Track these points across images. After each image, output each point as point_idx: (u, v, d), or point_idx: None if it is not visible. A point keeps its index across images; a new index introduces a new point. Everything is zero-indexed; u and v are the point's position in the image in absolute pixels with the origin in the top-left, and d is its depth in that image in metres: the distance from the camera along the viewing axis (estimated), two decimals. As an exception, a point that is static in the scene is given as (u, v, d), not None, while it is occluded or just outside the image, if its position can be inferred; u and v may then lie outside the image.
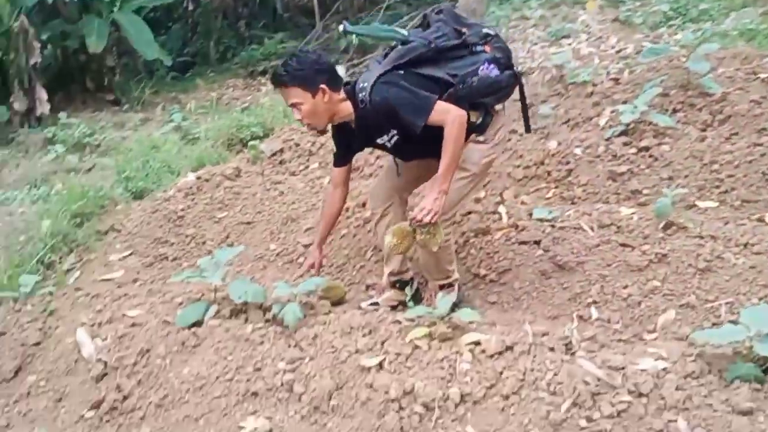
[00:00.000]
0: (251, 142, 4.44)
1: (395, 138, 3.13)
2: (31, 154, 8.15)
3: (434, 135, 2.93)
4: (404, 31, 3.23)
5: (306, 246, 3.99)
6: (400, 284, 3.55)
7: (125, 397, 2.76)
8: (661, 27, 8.42)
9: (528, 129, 3.65)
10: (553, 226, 3.79)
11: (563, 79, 6.13)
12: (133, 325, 3.05)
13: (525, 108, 3.54)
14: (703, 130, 5.09)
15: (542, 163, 4.76)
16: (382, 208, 3.46)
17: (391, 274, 3.54)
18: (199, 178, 4.82)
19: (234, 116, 6.55)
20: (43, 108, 9.52)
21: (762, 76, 5.70)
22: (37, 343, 3.16)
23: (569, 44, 8.03)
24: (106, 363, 2.90)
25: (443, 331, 2.60)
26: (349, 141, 3.33)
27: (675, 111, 5.32)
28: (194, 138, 7.35)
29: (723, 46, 7.05)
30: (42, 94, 9.54)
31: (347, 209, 4.19)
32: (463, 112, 2.94)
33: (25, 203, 6.18)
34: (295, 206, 4.36)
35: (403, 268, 3.57)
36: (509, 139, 5.03)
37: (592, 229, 3.72)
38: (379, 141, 3.18)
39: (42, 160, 7.58)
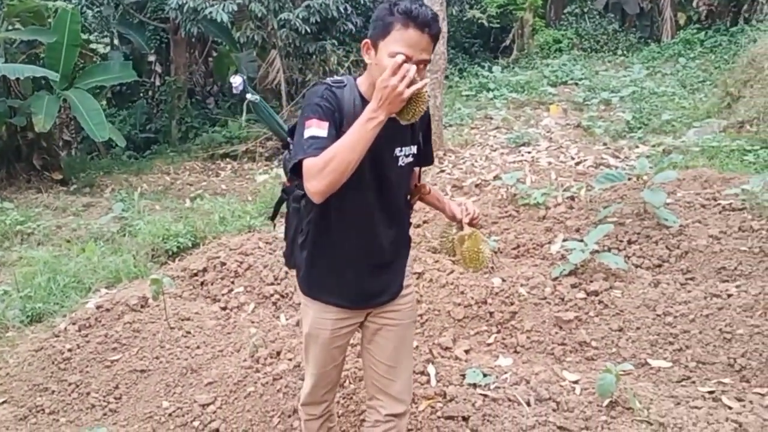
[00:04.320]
0: (153, 277, 3.96)
1: (411, 159, 2.43)
2: (-46, 243, 7.58)
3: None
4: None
5: (203, 406, 3.47)
6: None
7: None
8: (622, 138, 8.22)
9: None
10: (485, 396, 3.33)
11: (515, 200, 5.79)
12: None
13: None
14: (659, 266, 4.77)
15: (485, 303, 4.36)
16: (321, 410, 2.73)
17: None
18: (99, 307, 4.31)
19: (162, 224, 6.08)
20: (-22, 189, 9.01)
21: (722, 203, 5.44)
22: None
23: (528, 152, 7.77)
24: None
25: None
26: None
27: (630, 242, 5.00)
28: (134, 232, 6.90)
29: (683, 164, 6.85)
30: (-23, 174, 9.05)
31: (257, 360, 3.71)
32: None
33: None
34: (199, 352, 3.86)
35: None
36: (451, 272, 4.63)
37: (528, 403, 3.27)
38: (398, 152, 2.37)
39: (-39, 253, 6.99)
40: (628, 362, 3.72)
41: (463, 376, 3.55)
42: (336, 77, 2.32)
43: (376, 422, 2.62)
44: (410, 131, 2.37)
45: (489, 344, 4.15)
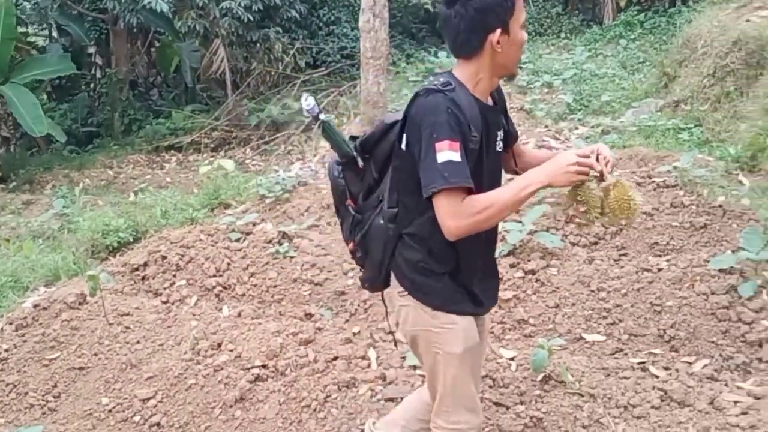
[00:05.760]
0: (89, 273, 3.92)
1: (501, 143, 2.29)
2: None
3: None
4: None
5: (143, 401, 3.46)
6: None
7: None
8: (563, 120, 8.37)
9: None
10: (424, 377, 3.39)
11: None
12: None
13: None
14: (595, 244, 4.89)
15: (426, 285, 4.40)
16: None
17: None
18: (36, 306, 4.25)
19: (102, 219, 5.99)
20: None
21: (656, 180, 5.60)
22: None
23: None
24: None
25: None
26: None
27: (568, 222, 5.10)
28: (74, 229, 6.78)
29: (621, 143, 7.01)
30: None
31: (197, 353, 3.71)
32: None
33: None
34: (139, 347, 3.83)
35: None
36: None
37: (464, 381, 3.34)
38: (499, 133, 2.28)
39: None
40: (563, 337, 3.83)
41: (404, 358, 3.60)
42: (439, 80, 2.13)
43: None
44: (501, 113, 2.30)
45: (430, 326, 4.22)
